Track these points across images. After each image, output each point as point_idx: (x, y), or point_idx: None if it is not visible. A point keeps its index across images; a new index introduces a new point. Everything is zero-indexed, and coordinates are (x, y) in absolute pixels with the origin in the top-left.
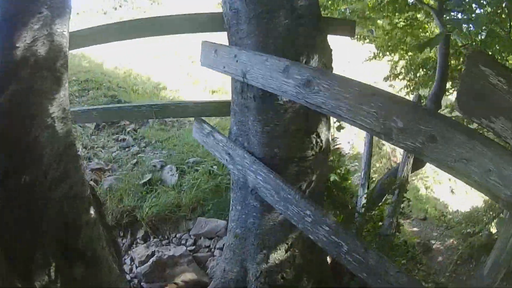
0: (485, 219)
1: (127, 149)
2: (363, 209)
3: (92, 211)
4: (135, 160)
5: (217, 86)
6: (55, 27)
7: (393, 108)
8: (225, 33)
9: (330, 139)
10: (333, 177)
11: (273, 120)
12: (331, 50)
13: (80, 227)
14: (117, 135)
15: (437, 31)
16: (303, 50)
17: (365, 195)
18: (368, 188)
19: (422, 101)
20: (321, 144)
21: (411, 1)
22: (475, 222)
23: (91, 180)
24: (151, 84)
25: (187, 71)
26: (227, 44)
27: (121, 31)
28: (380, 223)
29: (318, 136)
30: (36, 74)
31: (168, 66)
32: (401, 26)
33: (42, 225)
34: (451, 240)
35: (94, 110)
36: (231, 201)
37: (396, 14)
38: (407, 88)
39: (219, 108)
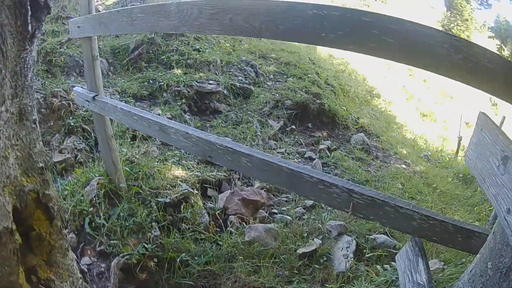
0: None
1: None
2: None
3: None
4: (310, 203)
5: (428, 110)
6: None
7: None
8: None
9: None
10: None
11: None
12: None
13: None
14: (305, 149)
15: None
16: None
17: None
18: None
19: None
20: None
21: None
22: None
23: (235, 215)
24: (365, 87)
25: (403, 83)
26: None
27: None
28: None
29: None
30: None
31: (384, 71)
32: None
33: None
34: None
35: (249, 158)
36: None
37: None
38: None
39: (454, 239)
